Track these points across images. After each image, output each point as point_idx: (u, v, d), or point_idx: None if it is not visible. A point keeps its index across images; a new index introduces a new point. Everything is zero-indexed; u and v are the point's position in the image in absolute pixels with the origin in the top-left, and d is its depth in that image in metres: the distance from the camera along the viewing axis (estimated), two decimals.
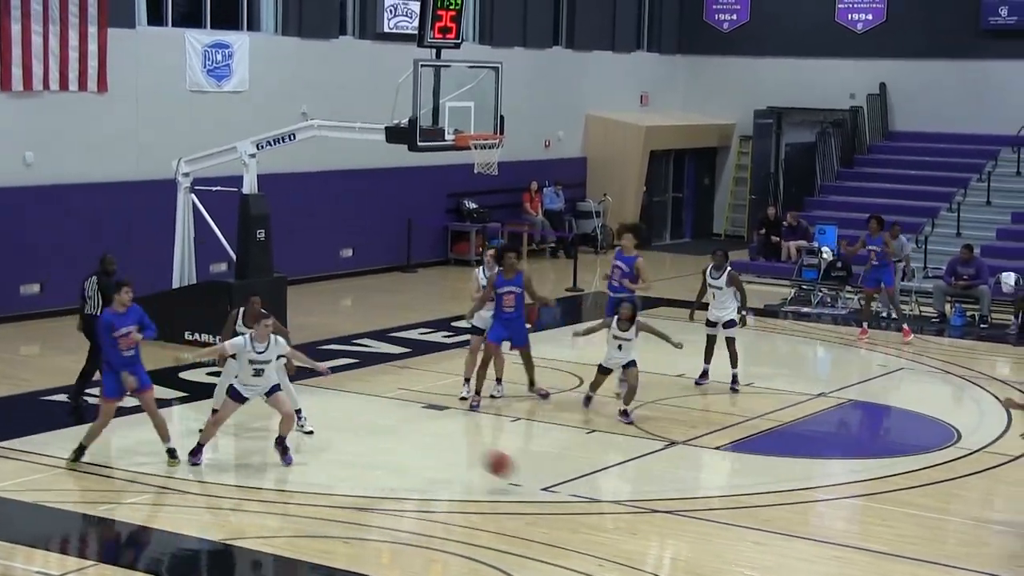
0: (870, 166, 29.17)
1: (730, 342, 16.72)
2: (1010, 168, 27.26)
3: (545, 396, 15.97)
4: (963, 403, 17.14)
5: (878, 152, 29.50)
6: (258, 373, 13.04)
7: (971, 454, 14.32)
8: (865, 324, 20.42)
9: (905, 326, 20.24)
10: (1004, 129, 27.70)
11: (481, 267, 16.16)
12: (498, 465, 12.61)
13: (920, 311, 22.05)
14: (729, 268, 16.84)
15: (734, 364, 16.71)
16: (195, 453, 13.33)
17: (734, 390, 16.66)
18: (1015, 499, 13.09)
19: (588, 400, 15.63)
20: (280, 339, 13.26)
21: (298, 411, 14.21)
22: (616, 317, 15.20)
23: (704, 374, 16.94)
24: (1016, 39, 28.12)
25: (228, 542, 11.30)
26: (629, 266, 16.49)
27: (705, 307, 17.03)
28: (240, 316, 14.13)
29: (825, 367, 19.88)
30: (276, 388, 13.21)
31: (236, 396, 13.20)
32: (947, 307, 21.85)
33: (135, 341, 13.02)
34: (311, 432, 14.29)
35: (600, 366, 15.46)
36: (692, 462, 14.09)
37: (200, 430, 13.70)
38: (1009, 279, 21.73)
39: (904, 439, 15.64)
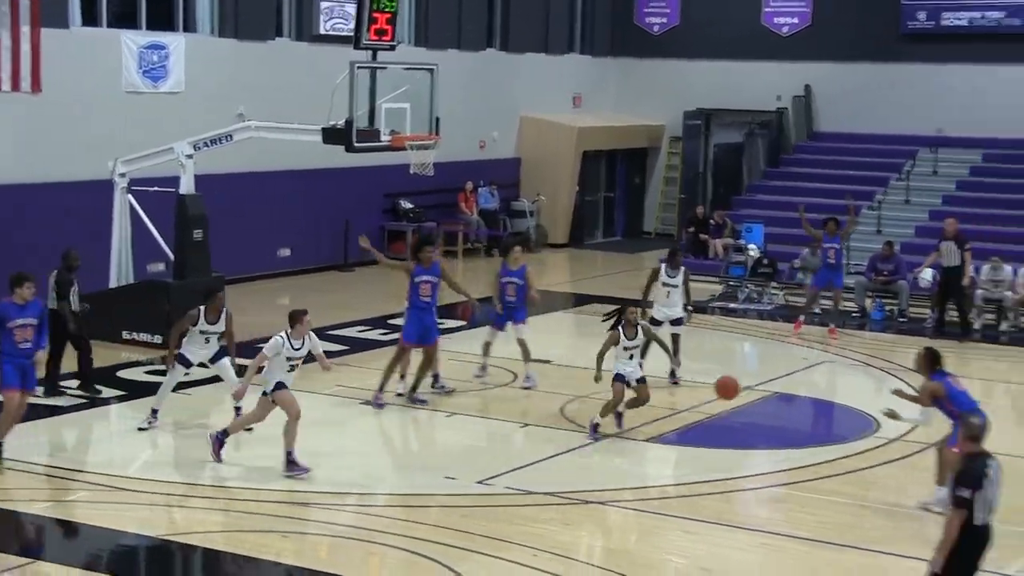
0: (795, 166, 29.50)
1: (676, 338, 16.86)
2: (928, 167, 27.70)
3: (434, 393, 15.90)
4: (882, 394, 17.35)
5: (803, 152, 29.85)
6: (292, 369, 13.04)
7: (889, 443, 14.57)
8: (802, 317, 20.63)
9: (833, 325, 20.51)
10: (922, 130, 28.14)
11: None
12: (726, 389, 12.47)
13: (842, 306, 22.35)
14: (683, 267, 17.02)
15: (678, 360, 16.81)
16: (221, 440, 13.15)
17: (675, 383, 16.78)
18: (929, 485, 13.31)
19: (619, 417, 14.65)
20: (314, 336, 13.27)
21: (238, 408, 14.24)
22: (623, 324, 14.38)
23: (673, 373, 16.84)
24: (933, 43, 28.57)
25: (168, 538, 11.29)
26: (522, 278, 16.54)
27: (649, 305, 17.10)
28: (202, 313, 14.10)
29: (751, 361, 20.12)
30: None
31: (280, 386, 13.04)
32: (868, 302, 22.18)
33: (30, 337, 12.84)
34: (250, 428, 14.29)
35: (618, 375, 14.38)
36: (623, 454, 14.22)
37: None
38: (927, 275, 22.08)
39: (826, 430, 15.90)
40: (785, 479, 13.42)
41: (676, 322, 16.88)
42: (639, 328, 14.46)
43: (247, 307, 20.89)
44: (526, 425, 15.01)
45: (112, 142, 20.29)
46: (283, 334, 12.98)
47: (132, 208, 19.25)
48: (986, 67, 28.02)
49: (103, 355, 17.69)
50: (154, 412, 14.29)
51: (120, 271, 19.23)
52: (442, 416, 15.41)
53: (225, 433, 13.22)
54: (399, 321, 17.10)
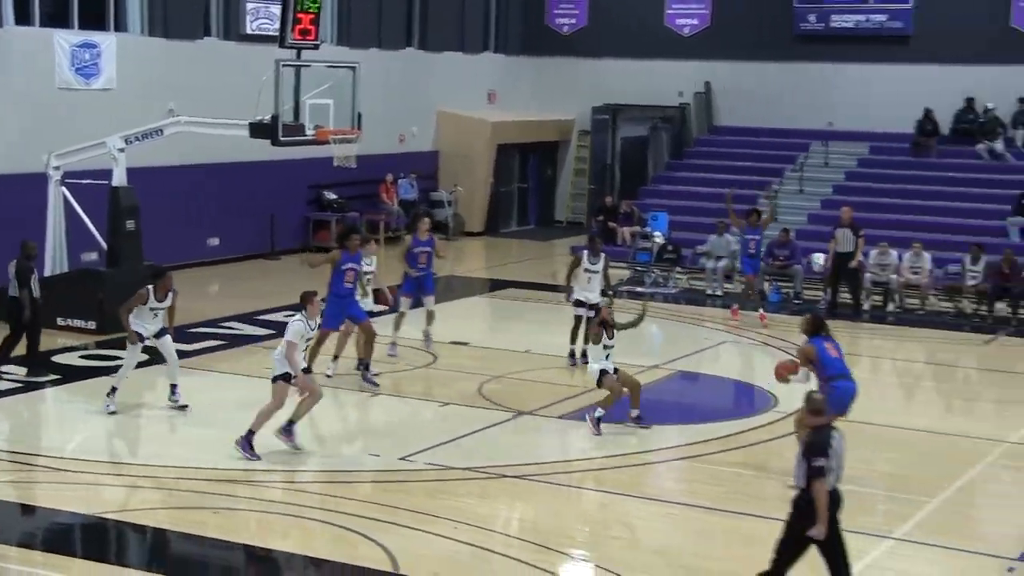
0: (697, 158, 29.69)
1: (591, 321, 16.82)
2: (819, 159, 28.01)
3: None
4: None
5: (704, 145, 30.05)
6: (305, 349, 13.12)
7: (786, 417, 14.70)
8: (736, 306, 20.56)
9: (762, 311, 20.25)
10: (814, 124, 28.43)
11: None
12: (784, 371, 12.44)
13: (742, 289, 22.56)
14: (603, 254, 17.03)
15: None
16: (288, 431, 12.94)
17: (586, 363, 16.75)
18: None
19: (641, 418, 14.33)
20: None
21: (174, 386, 14.09)
22: (598, 322, 14.23)
23: (574, 354, 16.83)
24: (823, 44, 28.87)
25: (103, 516, 11.11)
26: (431, 247, 16.91)
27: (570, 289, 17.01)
28: (152, 292, 14.04)
29: (657, 341, 20.21)
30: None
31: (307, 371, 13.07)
32: (765, 285, 22.39)
33: None
34: (185, 407, 14.15)
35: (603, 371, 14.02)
36: (538, 431, 14.25)
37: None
38: (819, 259, 22.35)
39: (728, 405, 16.03)
40: (690, 452, 13.52)
41: (594, 307, 16.86)
42: (615, 329, 14.17)
43: (180, 293, 20.64)
44: (446, 404, 14.97)
45: (46, 137, 19.93)
46: (300, 317, 12.87)
47: (66, 200, 18.94)
48: (872, 66, 28.38)
49: (40, 341, 17.41)
50: (114, 390, 14.10)
51: (55, 260, 18.91)
52: (366, 396, 15.32)
53: (251, 433, 12.71)
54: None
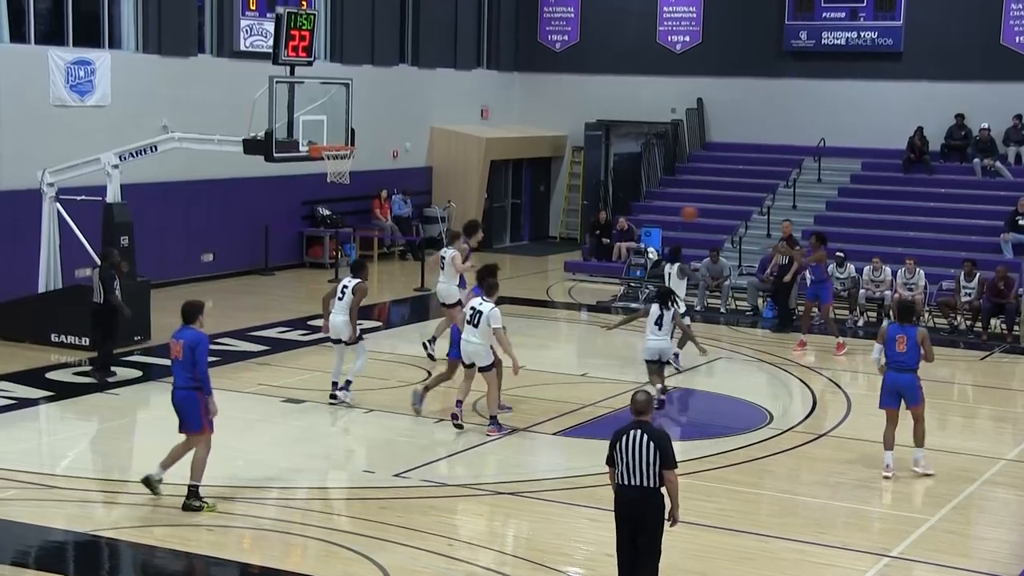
0: (690, 174, 29.66)
1: None
2: (812, 176, 27.99)
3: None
4: (774, 388, 17.56)
5: (697, 161, 30.02)
6: None
7: (781, 434, 14.67)
8: (803, 338, 19.60)
9: (840, 340, 19.37)
10: (806, 140, 28.42)
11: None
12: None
13: (736, 305, 22.51)
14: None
15: None
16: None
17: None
18: (819, 473, 13.46)
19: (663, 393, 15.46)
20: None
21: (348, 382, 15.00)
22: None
23: None
24: (814, 60, 28.91)
25: (95, 533, 11.00)
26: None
27: None
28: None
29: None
30: None
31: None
32: (760, 301, 22.35)
33: None
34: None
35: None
36: (532, 448, 14.16)
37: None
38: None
39: (723, 422, 15.94)
40: (685, 469, 13.32)
41: None
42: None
43: (172, 309, 20.51)
44: (440, 420, 14.87)
45: (40, 153, 19.86)
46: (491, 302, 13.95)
47: (60, 216, 18.84)
48: (863, 83, 28.42)
49: (33, 357, 17.33)
50: (348, 383, 15.14)
51: (49, 276, 18.82)
52: (360, 412, 15.22)
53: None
54: (318, 323, 16.92)
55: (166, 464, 11.65)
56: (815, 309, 19.92)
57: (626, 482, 9.05)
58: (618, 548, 9.21)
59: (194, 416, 11.44)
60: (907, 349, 12.89)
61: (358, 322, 15.24)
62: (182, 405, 11.49)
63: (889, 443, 13.04)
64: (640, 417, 9.15)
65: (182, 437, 11.83)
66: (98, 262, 18.73)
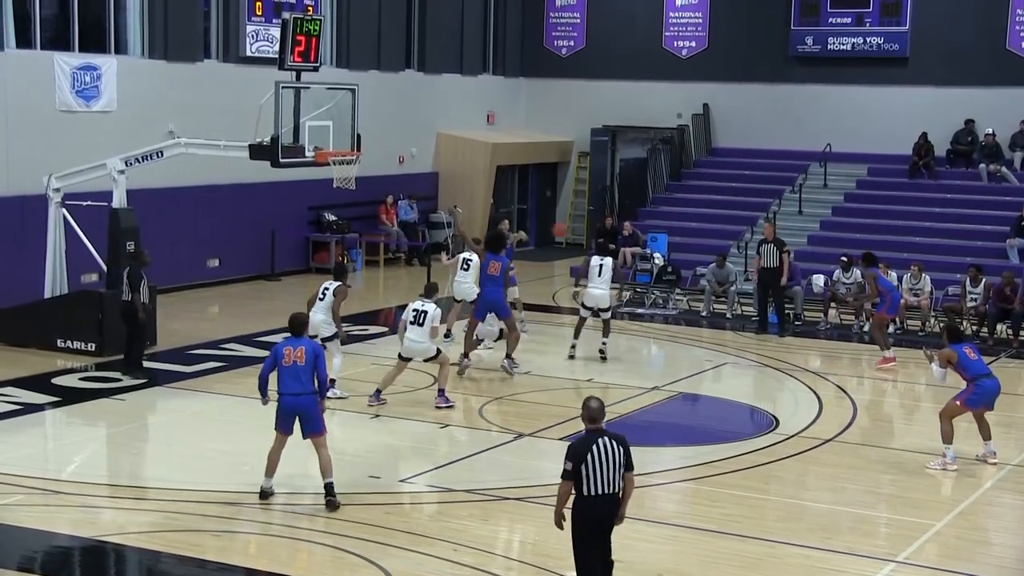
0: (696, 179, 29.67)
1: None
2: (818, 181, 27.98)
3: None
4: (780, 393, 17.53)
5: (703, 167, 30.02)
6: None
7: (787, 439, 14.66)
8: (887, 352, 18.99)
9: (886, 353, 18.88)
10: (812, 146, 28.41)
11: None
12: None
13: (742, 311, 22.48)
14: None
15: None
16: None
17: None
18: (825, 478, 13.45)
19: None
20: None
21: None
22: None
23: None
24: (821, 66, 28.90)
25: (101, 539, 11.01)
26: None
27: None
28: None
29: (658, 363, 20.14)
30: None
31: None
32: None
33: None
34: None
35: None
36: (538, 453, 14.15)
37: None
38: (819, 280, 22.24)
39: (729, 427, 15.93)
40: (691, 474, 13.42)
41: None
42: None
43: (178, 315, 20.60)
44: (446, 426, 14.88)
45: (46, 159, 19.88)
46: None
47: (66, 221, 18.87)
48: (869, 88, 28.41)
49: (38, 362, 17.36)
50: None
51: (55, 282, 18.84)
52: (366, 418, 15.23)
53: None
54: None
55: (270, 471, 11.97)
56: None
57: (598, 492, 8.95)
58: (587, 566, 9.07)
59: (318, 418, 11.90)
60: (978, 357, 13.95)
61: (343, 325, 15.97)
62: (308, 409, 11.83)
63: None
64: (596, 424, 9.13)
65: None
66: (104, 268, 18.81)
